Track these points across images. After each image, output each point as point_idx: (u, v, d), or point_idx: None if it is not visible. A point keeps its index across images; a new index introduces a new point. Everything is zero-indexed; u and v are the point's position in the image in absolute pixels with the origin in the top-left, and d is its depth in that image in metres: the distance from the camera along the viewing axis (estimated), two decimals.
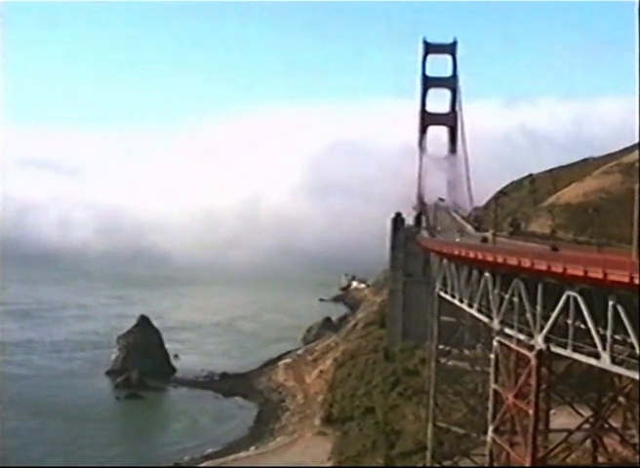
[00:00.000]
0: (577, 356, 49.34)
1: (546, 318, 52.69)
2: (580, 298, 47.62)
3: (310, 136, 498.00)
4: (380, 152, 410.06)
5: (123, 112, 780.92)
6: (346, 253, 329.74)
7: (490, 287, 64.92)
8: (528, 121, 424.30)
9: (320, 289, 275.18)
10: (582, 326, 48.28)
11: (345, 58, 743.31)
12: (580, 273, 45.37)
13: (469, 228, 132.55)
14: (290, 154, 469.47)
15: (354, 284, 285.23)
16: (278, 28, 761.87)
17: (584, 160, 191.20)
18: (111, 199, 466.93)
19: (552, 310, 51.41)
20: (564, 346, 50.45)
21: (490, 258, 62.11)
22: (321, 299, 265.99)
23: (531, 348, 54.55)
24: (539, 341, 53.44)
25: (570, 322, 49.25)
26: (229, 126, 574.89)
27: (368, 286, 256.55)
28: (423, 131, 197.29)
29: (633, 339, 43.07)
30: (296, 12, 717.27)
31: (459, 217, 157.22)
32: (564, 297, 49.36)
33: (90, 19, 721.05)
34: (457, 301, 78.61)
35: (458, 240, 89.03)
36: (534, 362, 53.63)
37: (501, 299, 61.98)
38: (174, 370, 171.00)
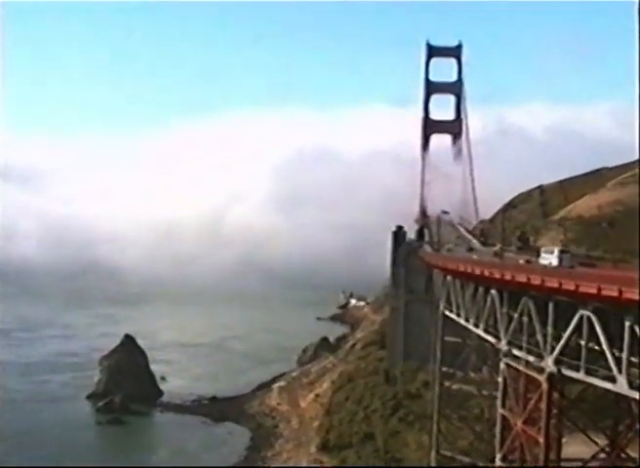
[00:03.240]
0: (591, 380, 49.00)
1: (558, 339, 52.44)
2: (593, 318, 47.32)
3: (281, 144, 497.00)
4: (358, 160, 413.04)
5: (79, 118, 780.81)
6: (321, 269, 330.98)
7: (497, 305, 64.68)
8: (524, 126, 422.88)
9: (314, 307, 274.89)
10: (597, 347, 47.92)
11: (333, 62, 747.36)
12: (594, 291, 45.04)
13: (475, 243, 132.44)
14: (257, 162, 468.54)
15: (353, 301, 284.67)
16: (249, 31, 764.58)
17: (598, 170, 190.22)
18: (62, 208, 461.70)
19: (564, 330, 51.11)
20: (577, 369, 50.13)
21: (497, 275, 61.89)
22: (318, 318, 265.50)
23: (541, 371, 54.30)
24: (549, 364, 53.17)
25: (583, 343, 48.95)
26: (192, 133, 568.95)
27: (367, 303, 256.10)
28: (426, 139, 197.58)
29: None
30: (277, 12, 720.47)
31: (464, 231, 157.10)
32: (577, 317, 49.08)
33: (47, 23, 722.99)
34: (462, 321, 78.39)
35: (475, 257, 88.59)
36: (544, 385, 53.35)
37: (510, 319, 61.72)
38: (160, 393, 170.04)
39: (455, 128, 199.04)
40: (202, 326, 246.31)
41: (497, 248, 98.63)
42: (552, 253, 70.30)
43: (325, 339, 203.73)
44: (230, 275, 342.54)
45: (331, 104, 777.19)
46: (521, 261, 76.47)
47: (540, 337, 55.17)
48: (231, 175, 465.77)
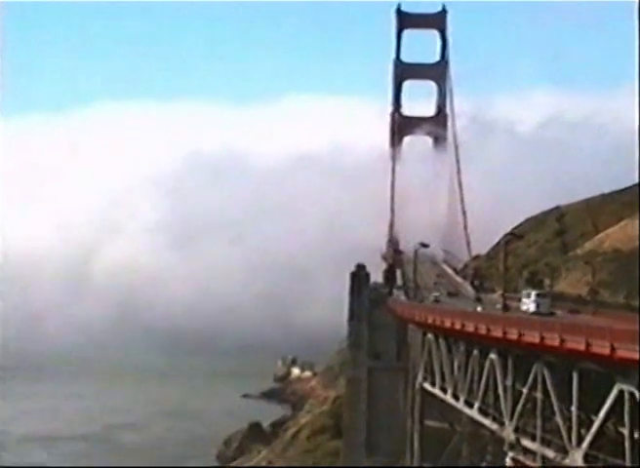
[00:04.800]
0: None
1: (588, 424, 51.79)
2: (639, 395, 46.27)
3: (170, 149, 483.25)
4: (279, 168, 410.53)
5: None
6: (235, 326, 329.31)
7: (499, 375, 64.82)
8: (526, 119, 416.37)
9: (238, 379, 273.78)
10: None
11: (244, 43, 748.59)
12: (638, 356, 44.09)
13: (467, 287, 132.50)
14: (136, 176, 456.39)
15: (295, 371, 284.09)
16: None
17: (638, 185, 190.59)
18: None
19: (597, 412, 50.33)
20: None
21: (498, 333, 61.62)
22: (244, 395, 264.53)
23: None
24: (577, 460, 52.41)
25: (625, 431, 47.96)
26: (41, 135, 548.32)
27: (315, 374, 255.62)
28: (397, 142, 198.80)
29: None
30: None
31: (451, 271, 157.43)
32: (614, 393, 48.34)
33: None
34: (449, 397, 78.50)
35: (479, 309, 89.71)
36: None
37: (517, 395, 61.68)
38: None
39: (437, 127, 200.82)
40: (76, 410, 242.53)
41: (496, 294, 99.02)
42: (530, 296, 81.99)
43: (256, 425, 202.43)
44: (100, 334, 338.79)
45: (240, 97, 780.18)
46: (497, 306, 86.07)
47: (561, 422, 54.46)
48: (101, 194, 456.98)
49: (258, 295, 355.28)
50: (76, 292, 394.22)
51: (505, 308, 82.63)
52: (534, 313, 78.05)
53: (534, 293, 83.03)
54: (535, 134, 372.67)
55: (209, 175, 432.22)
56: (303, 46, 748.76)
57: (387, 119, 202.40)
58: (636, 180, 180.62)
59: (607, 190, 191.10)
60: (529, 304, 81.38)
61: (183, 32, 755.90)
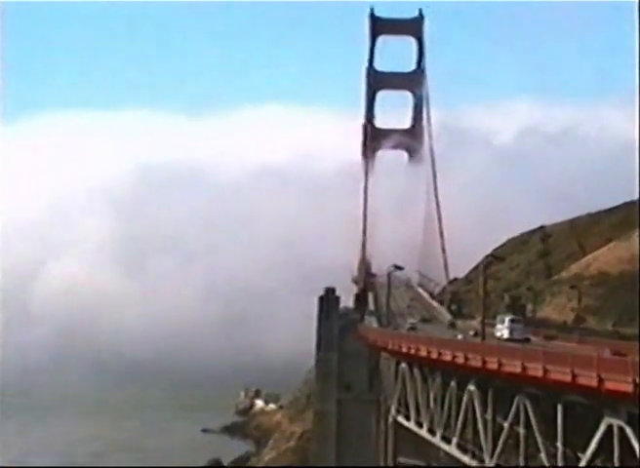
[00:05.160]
0: None
1: (575, 461, 51.36)
2: (629, 430, 46.03)
3: (121, 161, 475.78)
4: (238, 182, 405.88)
5: None
6: (193, 355, 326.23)
7: (478, 408, 64.52)
8: (507, 130, 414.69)
9: (197, 413, 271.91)
10: None
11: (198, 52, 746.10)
12: (629, 388, 43.95)
13: (444, 312, 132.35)
14: (83, 190, 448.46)
15: (259, 403, 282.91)
16: None
17: (628, 203, 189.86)
18: None
19: (584, 448, 49.92)
20: None
21: (476, 363, 61.38)
22: (204, 430, 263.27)
23: None
24: None
25: None
26: None
27: (281, 407, 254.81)
28: (370, 155, 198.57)
29: None
30: None
31: (427, 296, 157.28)
32: (602, 428, 48.00)
33: None
34: (424, 432, 78.26)
35: (460, 337, 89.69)
36: None
37: (498, 429, 61.36)
38: None
39: (412, 140, 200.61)
40: (14, 449, 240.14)
41: (475, 321, 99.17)
42: (504, 322, 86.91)
43: (217, 463, 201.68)
44: (40, 364, 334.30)
45: (198, 106, 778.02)
46: (471, 333, 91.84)
47: (545, 459, 54.16)
48: (43, 209, 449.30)
49: (216, 320, 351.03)
50: (13, 317, 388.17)
51: (477, 335, 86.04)
52: (507, 339, 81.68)
53: (507, 319, 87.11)
54: (514, 146, 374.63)
55: (161, 190, 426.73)
56: (268, 52, 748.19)
57: (359, 131, 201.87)
58: (624, 200, 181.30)
59: (593, 209, 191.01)
60: (502, 330, 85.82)
61: (137, 40, 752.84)
